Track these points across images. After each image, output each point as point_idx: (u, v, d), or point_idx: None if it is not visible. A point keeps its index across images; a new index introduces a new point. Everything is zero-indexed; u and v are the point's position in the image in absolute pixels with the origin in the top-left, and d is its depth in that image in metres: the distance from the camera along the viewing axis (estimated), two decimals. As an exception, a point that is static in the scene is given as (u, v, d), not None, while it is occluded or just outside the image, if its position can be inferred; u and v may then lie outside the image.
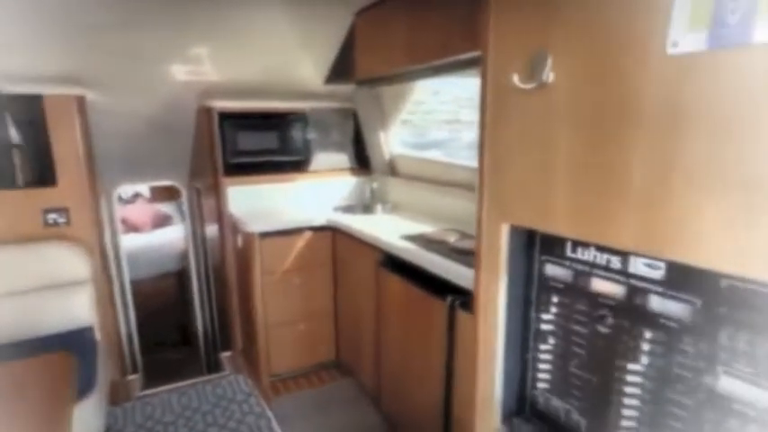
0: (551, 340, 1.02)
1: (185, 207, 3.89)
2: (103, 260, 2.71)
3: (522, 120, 0.92)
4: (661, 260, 0.79)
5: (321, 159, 3.09)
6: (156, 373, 3.40)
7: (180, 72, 2.66)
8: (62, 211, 2.45)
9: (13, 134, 2.31)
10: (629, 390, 0.87)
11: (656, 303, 0.81)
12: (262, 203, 2.93)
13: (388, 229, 2.31)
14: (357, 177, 3.24)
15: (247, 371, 2.83)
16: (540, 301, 1.04)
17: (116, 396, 2.58)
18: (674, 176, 0.70)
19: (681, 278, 0.77)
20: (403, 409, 2.16)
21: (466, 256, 1.73)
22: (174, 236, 5.02)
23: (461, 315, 1.63)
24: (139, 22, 2.18)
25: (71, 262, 2.40)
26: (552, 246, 0.99)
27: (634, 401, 0.87)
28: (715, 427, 0.75)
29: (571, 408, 1.00)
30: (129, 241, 4.78)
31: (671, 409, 0.81)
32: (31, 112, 2.32)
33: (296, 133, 2.97)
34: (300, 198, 3.06)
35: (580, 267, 0.94)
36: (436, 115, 3.20)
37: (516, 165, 0.95)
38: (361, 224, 2.47)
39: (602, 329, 0.91)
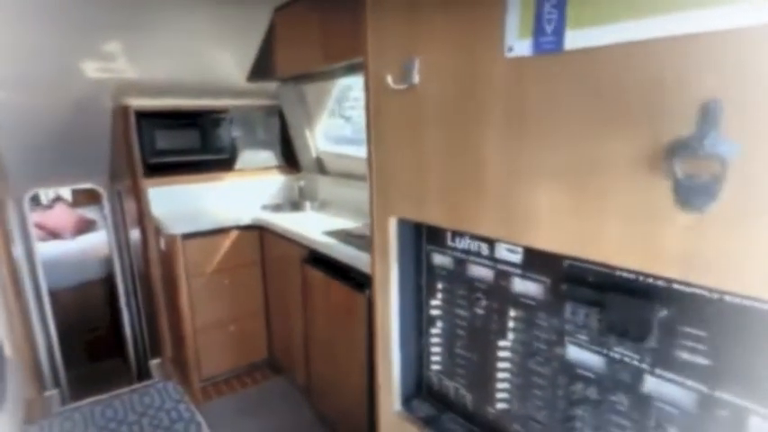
0: (440, 324, 1.09)
1: (107, 210, 3.71)
2: (12, 271, 2.54)
3: (397, 119, 0.98)
4: (518, 245, 0.88)
5: (248, 158, 3.05)
6: (84, 386, 3.25)
7: (90, 69, 2.54)
8: None
9: None
10: (501, 365, 0.95)
11: (517, 284, 0.90)
12: (188, 204, 2.86)
13: (314, 226, 2.33)
14: (285, 175, 3.22)
15: (178, 377, 2.76)
16: (429, 288, 1.11)
17: (32, 414, 2.44)
18: (519, 170, 0.77)
19: (535, 261, 0.86)
20: (332, 403, 2.20)
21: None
22: (98, 241, 4.78)
23: (377, 306, 1.69)
24: (39, 14, 2.05)
25: (-29, 275, 2.24)
26: (436, 236, 1.06)
27: (506, 375, 0.95)
28: (566, 392, 0.84)
29: (459, 385, 1.07)
30: (47, 249, 4.52)
31: (534, 379, 0.90)
32: None
33: (220, 132, 2.91)
34: (228, 198, 3.01)
35: (459, 255, 1.01)
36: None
37: (396, 161, 1.01)
38: (288, 222, 2.47)
39: (479, 311, 0.99)
